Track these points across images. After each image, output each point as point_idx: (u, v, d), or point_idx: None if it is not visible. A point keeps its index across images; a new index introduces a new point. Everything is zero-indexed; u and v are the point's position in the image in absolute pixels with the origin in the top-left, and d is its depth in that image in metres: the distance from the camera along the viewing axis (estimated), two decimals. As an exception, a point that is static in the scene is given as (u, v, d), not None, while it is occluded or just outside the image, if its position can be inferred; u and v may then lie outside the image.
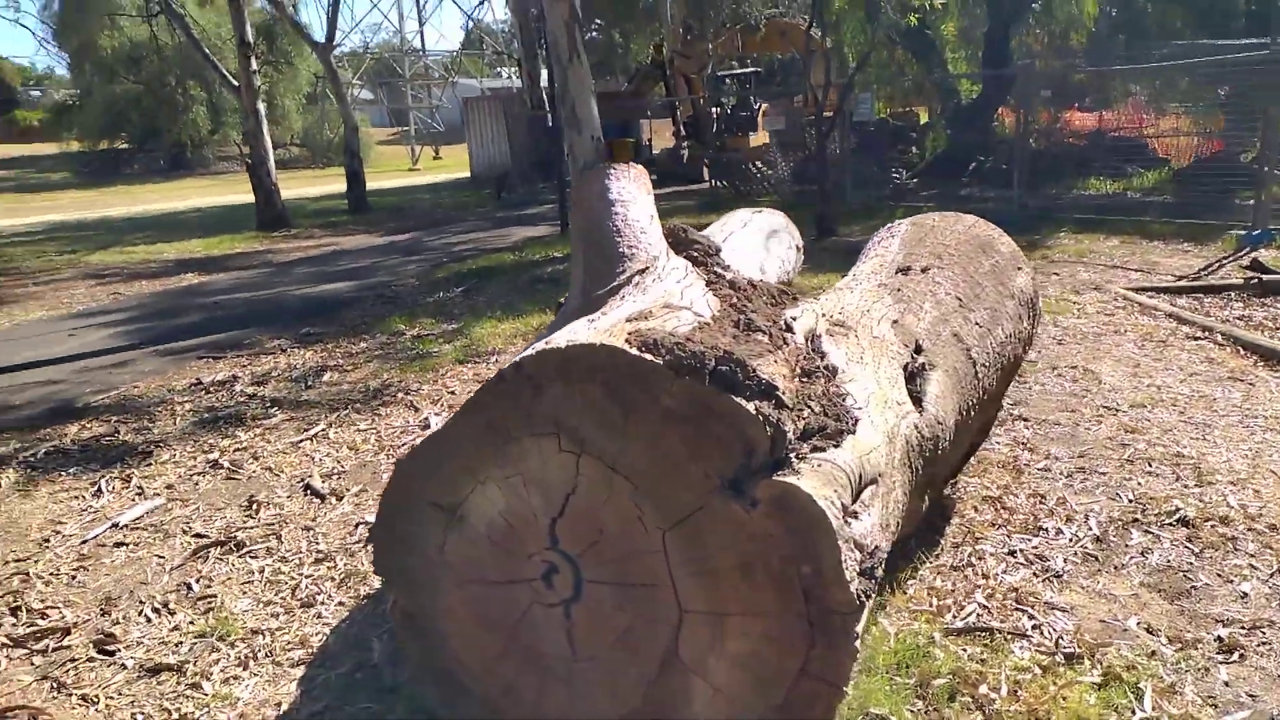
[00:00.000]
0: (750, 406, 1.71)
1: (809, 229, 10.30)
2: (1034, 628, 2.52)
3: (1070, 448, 3.78)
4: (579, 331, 1.93)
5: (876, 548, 1.85)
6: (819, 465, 1.79)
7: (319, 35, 17.19)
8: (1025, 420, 4.11)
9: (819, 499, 1.70)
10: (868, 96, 12.60)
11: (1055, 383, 4.60)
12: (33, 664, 2.63)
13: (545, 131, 19.57)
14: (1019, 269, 3.28)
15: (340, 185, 20.12)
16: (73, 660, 2.64)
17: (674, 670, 1.86)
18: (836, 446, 1.88)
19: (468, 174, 24.36)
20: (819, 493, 1.72)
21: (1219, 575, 2.75)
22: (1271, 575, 2.73)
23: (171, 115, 32.92)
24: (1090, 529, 3.07)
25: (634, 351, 1.74)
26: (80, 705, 2.43)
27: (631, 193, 2.61)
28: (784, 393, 1.82)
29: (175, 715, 2.37)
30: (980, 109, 16.26)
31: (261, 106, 14.88)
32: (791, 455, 1.79)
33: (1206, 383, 4.46)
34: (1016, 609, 2.62)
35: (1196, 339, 5.23)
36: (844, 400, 2.11)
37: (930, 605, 2.65)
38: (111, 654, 2.66)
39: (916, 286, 2.96)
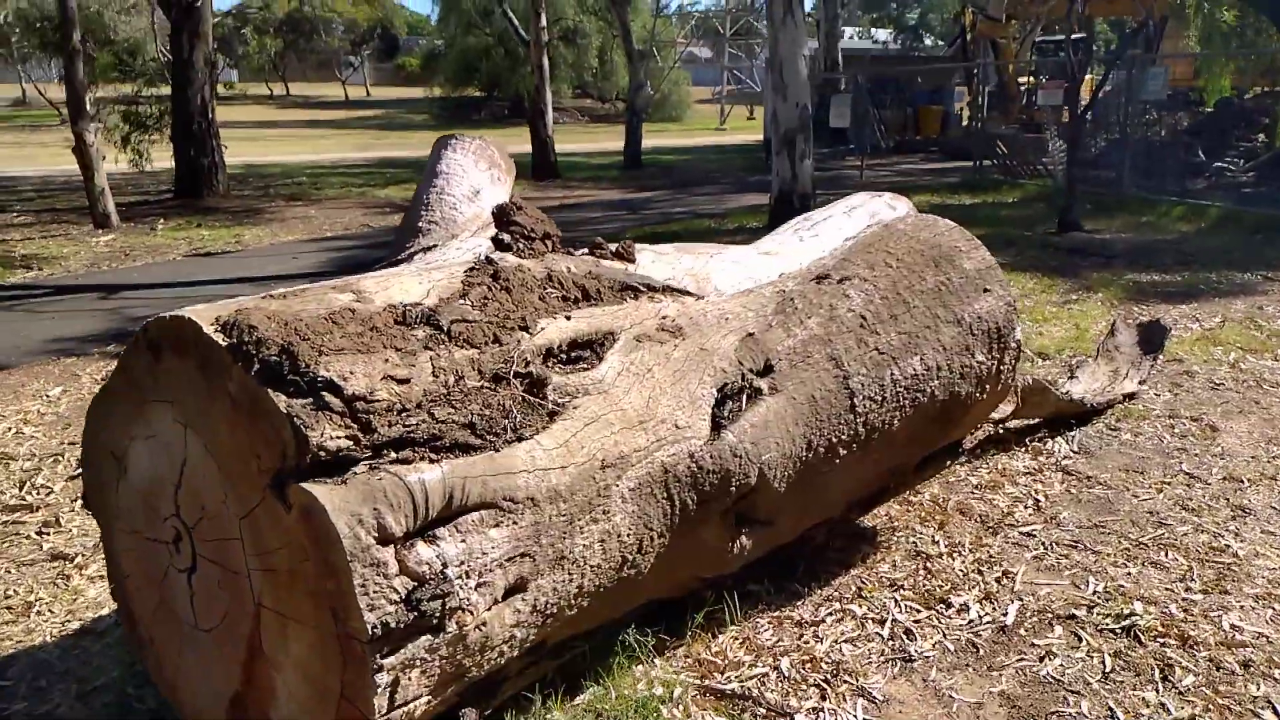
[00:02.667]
0: (283, 403, 1.62)
1: (1047, 221, 9.16)
2: (811, 711, 2.15)
3: (1088, 515, 3.10)
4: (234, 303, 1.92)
5: (445, 579, 1.68)
6: (379, 479, 1.65)
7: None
8: (1069, 474, 3.43)
9: (337, 514, 1.59)
10: (1159, 71, 10.70)
11: (1154, 434, 3.77)
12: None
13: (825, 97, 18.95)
14: (985, 291, 2.72)
15: (652, 141, 21.13)
16: None
17: (260, 661, 1.83)
18: (433, 462, 1.72)
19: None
20: (344, 507, 1.60)
21: (1109, 707, 2.16)
22: (1175, 724, 2.10)
23: (512, 66, 35.79)
24: (1005, 616, 2.53)
25: (207, 329, 1.71)
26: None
27: (460, 166, 2.51)
28: (362, 395, 1.69)
29: None
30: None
31: (546, 62, 15.78)
32: (364, 463, 1.68)
33: (1364, 465, 3.43)
34: (817, 687, 2.25)
35: None
36: (527, 413, 1.91)
37: (723, 659, 2.35)
38: None
39: (816, 298, 2.57)
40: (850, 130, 19.47)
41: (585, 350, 2.22)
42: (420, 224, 2.35)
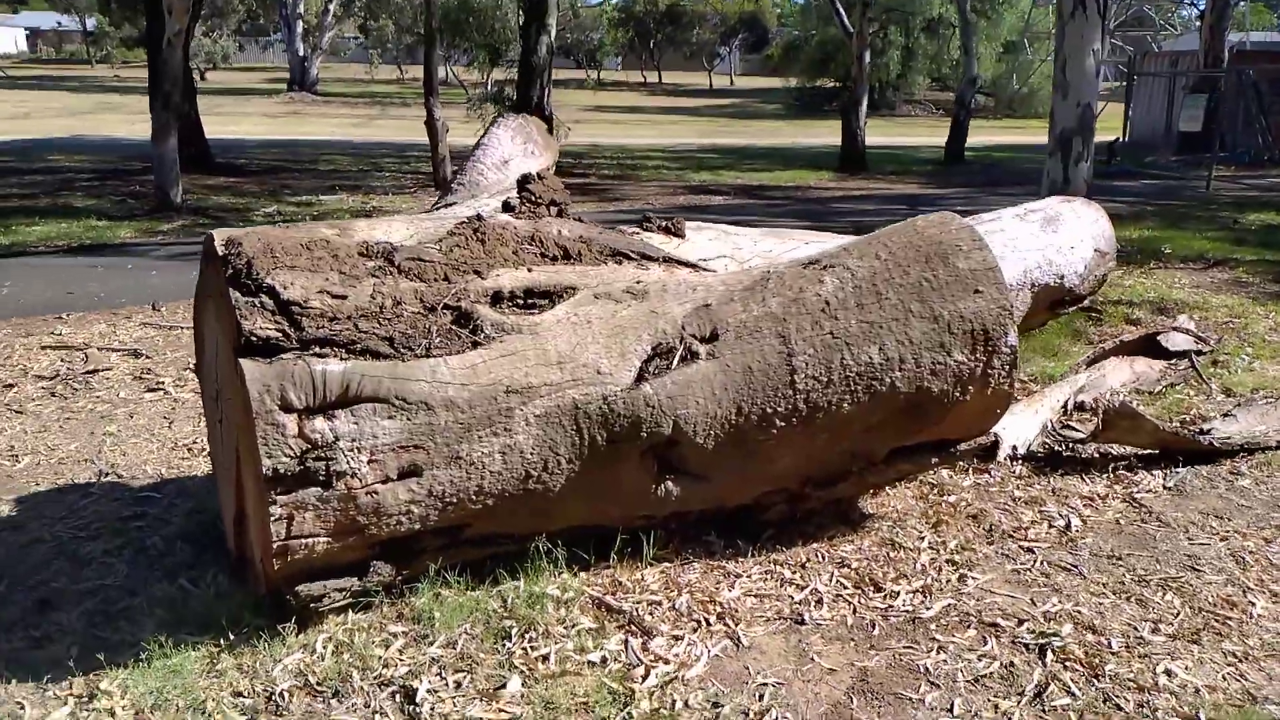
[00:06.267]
0: (234, 298, 2.23)
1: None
2: (673, 638, 2.40)
3: (1115, 547, 2.91)
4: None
5: (332, 447, 2.21)
6: (293, 364, 2.22)
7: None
8: (1135, 505, 3.18)
9: (253, 382, 2.18)
10: None
11: (1282, 485, 3.33)
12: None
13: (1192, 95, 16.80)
14: (975, 292, 2.69)
15: (997, 137, 20.39)
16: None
17: (241, 492, 2.49)
18: (342, 360, 2.26)
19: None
20: (259, 379, 2.19)
21: (952, 703, 2.17)
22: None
23: (870, 58, 35.28)
24: (928, 610, 2.54)
25: (217, 242, 2.37)
26: None
27: (498, 140, 2.98)
28: (297, 301, 2.25)
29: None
30: None
31: (866, 55, 15.66)
32: (292, 353, 2.25)
33: None
34: (698, 622, 2.48)
35: None
36: (447, 338, 2.38)
37: (636, 585, 2.64)
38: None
39: (791, 280, 2.75)
40: (1228, 136, 17.13)
41: (543, 299, 2.63)
42: (453, 184, 2.88)
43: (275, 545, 2.25)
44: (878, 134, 24.20)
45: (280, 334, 2.24)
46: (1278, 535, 2.96)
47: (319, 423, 2.23)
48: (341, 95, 35.21)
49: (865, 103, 15.84)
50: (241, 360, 2.21)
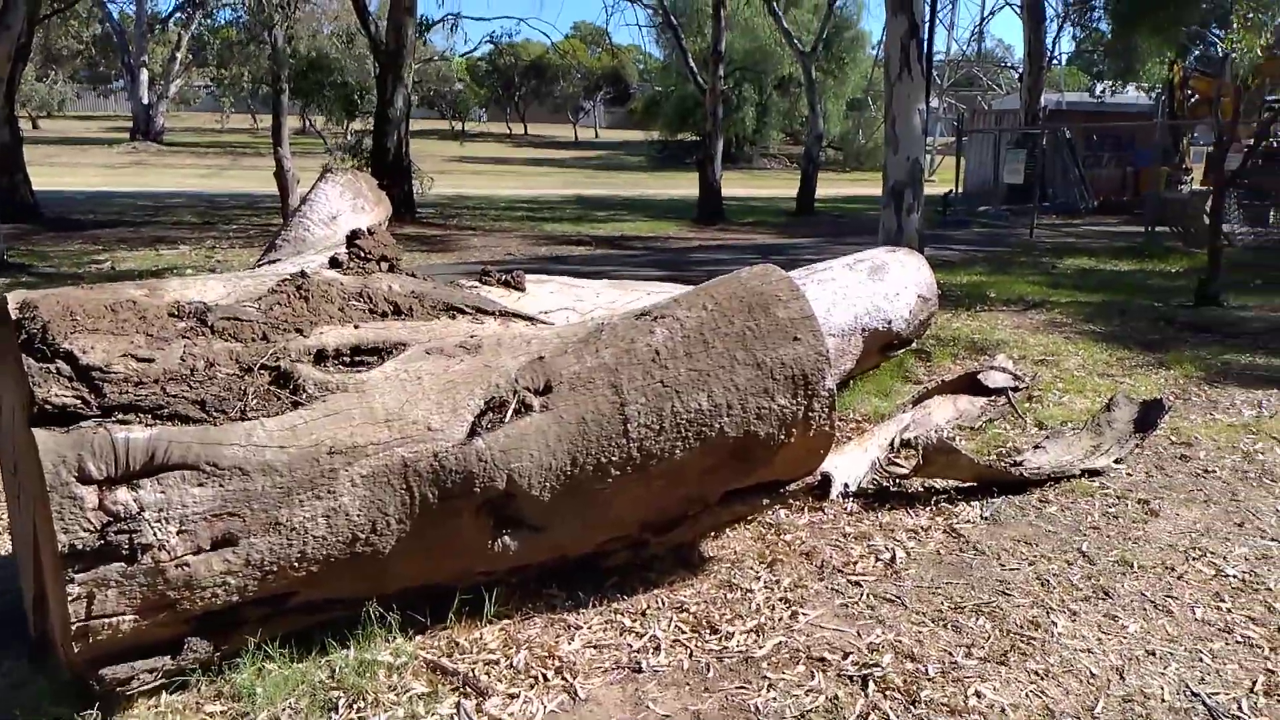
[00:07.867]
0: (28, 364, 2.11)
1: (1187, 295, 8.49)
2: (508, 695, 2.38)
3: (935, 576, 3.07)
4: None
5: (136, 518, 2.10)
6: (93, 432, 2.11)
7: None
8: (954, 536, 3.36)
9: (46, 453, 2.06)
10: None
11: (1082, 511, 3.59)
12: None
13: (1010, 151, 18.21)
14: (795, 339, 2.82)
15: (846, 189, 21.34)
16: None
17: (40, 570, 2.33)
18: (147, 426, 2.16)
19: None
20: (54, 449, 2.07)
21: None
22: None
23: (725, 114, 36.66)
24: (760, 648, 2.61)
25: (11, 305, 2.24)
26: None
27: (325, 195, 2.96)
28: (99, 366, 2.15)
29: None
30: None
31: (720, 110, 16.29)
32: (93, 420, 2.14)
33: (1295, 568, 3.13)
34: (535, 678, 2.46)
35: None
36: (263, 399, 2.31)
37: (474, 645, 2.61)
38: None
39: (624, 330, 2.81)
40: (1050, 188, 18.63)
41: (371, 356, 2.60)
42: (276, 241, 2.82)
43: (75, 626, 2.11)
44: (735, 186, 25.07)
45: (79, 401, 2.13)
46: (1079, 558, 3.20)
47: (122, 494, 2.12)
48: (190, 145, 33.91)
49: (720, 156, 16.42)
50: (35, 430, 2.08)
